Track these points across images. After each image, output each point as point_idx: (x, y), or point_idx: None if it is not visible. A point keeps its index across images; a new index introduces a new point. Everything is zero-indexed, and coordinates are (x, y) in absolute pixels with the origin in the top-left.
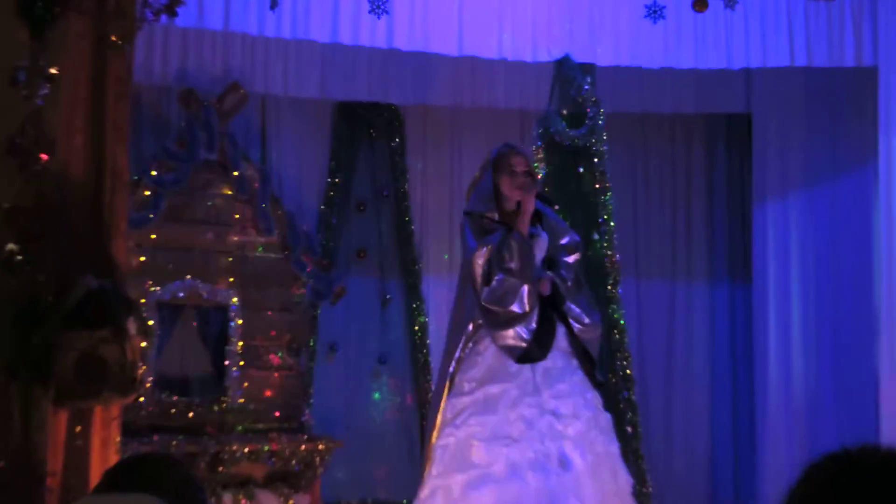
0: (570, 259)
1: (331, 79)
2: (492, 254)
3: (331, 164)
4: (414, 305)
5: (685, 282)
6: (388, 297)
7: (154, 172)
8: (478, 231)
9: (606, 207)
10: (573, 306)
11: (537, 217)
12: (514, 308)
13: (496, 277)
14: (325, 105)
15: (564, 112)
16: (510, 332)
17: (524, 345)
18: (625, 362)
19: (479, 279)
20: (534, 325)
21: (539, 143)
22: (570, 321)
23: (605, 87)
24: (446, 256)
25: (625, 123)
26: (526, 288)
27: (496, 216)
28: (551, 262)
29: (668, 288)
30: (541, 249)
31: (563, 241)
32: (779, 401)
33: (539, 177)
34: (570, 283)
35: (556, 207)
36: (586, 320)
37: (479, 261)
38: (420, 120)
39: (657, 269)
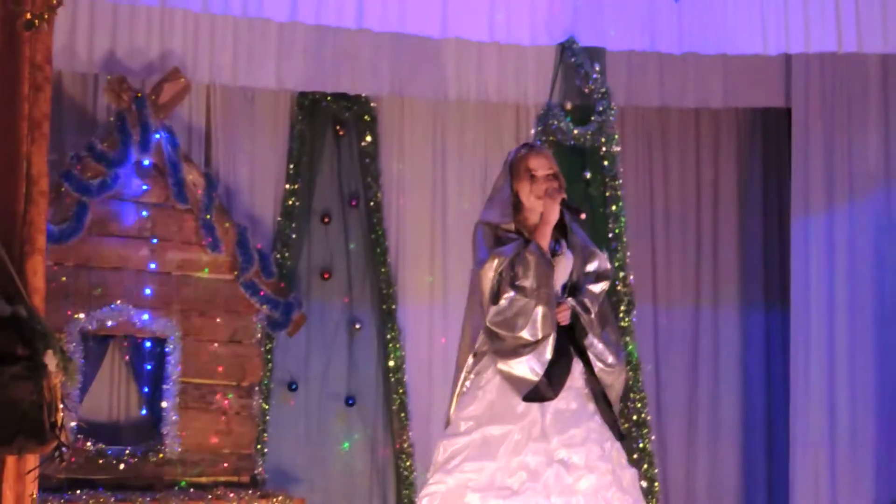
0: (597, 288)
1: (290, 65)
2: (503, 267)
3: (289, 168)
4: (388, 336)
5: (711, 308)
6: (357, 326)
7: (77, 177)
8: (491, 241)
9: (618, 220)
10: (596, 342)
11: (562, 232)
12: (525, 334)
13: (506, 295)
14: (282, 97)
15: (569, 106)
16: (518, 363)
17: (534, 378)
18: (639, 404)
19: (486, 295)
20: (547, 356)
21: (538, 142)
22: (591, 358)
23: (617, 76)
24: (431, 280)
25: (641, 119)
26: (540, 310)
27: (512, 227)
28: (574, 287)
29: (692, 315)
30: (563, 270)
31: (591, 266)
32: (820, 447)
33: (564, 184)
34: (593, 315)
35: (583, 216)
36: (610, 360)
37: (489, 274)
38: (396, 115)
39: (678, 294)
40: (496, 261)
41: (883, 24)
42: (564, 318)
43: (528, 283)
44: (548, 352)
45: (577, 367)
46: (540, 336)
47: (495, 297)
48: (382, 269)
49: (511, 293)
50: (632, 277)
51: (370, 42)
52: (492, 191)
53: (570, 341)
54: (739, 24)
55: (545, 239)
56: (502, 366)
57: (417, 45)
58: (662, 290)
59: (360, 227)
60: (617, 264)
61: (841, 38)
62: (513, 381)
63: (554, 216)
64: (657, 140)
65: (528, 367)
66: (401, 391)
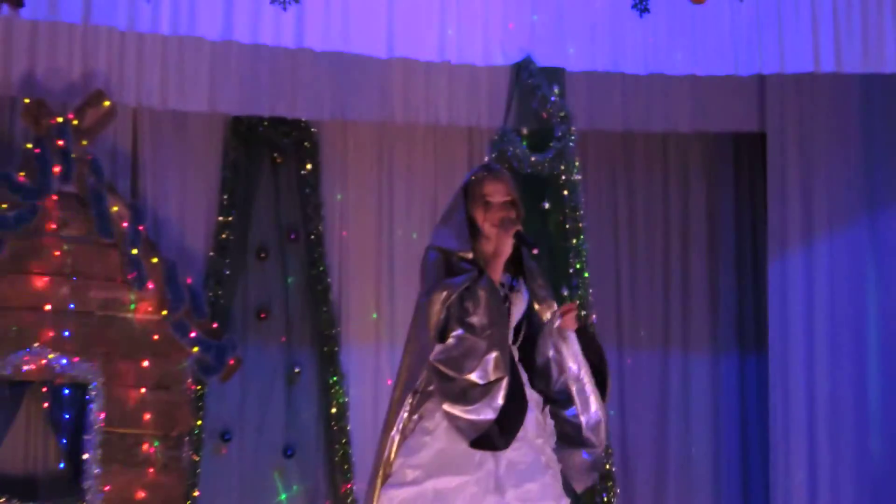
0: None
1: (223, 87)
2: (451, 301)
3: (223, 199)
4: (331, 381)
5: (681, 352)
6: (296, 370)
7: None
8: (442, 270)
9: (580, 254)
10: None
11: (519, 268)
12: (475, 376)
13: (454, 333)
14: (215, 121)
15: (525, 131)
16: (467, 407)
17: (484, 424)
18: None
19: (431, 331)
20: (499, 401)
21: (498, 165)
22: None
23: (577, 99)
24: (375, 316)
25: (604, 145)
26: (493, 352)
27: (470, 255)
28: (529, 337)
29: (660, 360)
30: (517, 310)
31: (547, 316)
32: (800, 497)
33: (522, 213)
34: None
35: (535, 251)
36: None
37: (436, 307)
38: (339, 140)
39: (645, 336)
40: (444, 293)
41: (863, 41)
42: (571, 321)
43: (478, 320)
44: (500, 396)
45: (531, 414)
46: (491, 379)
47: (442, 334)
48: (324, 308)
49: (459, 331)
50: (594, 317)
51: (310, 62)
52: (446, 211)
53: (521, 387)
54: (709, 43)
55: (497, 273)
56: (449, 408)
57: (361, 65)
58: (628, 331)
59: (300, 263)
60: (578, 302)
61: (818, 58)
62: (461, 426)
63: (507, 249)
64: (621, 168)
65: (477, 413)
66: (343, 441)
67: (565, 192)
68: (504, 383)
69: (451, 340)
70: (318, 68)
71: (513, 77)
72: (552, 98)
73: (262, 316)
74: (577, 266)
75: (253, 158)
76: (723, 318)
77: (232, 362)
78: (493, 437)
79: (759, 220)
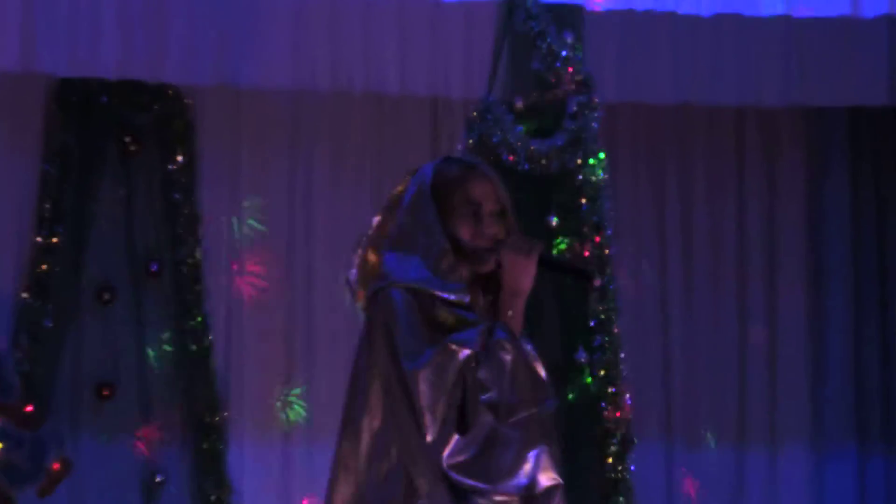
0: None
1: (45, 37)
2: (471, 367)
3: (42, 209)
4: (213, 497)
5: (765, 445)
6: (157, 478)
7: None
8: (416, 324)
9: (606, 299)
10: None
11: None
12: (512, 487)
13: (483, 421)
14: (32, 88)
15: (520, 104)
16: None
17: None
18: None
19: (438, 419)
20: None
21: (474, 156)
22: None
23: (604, 53)
24: (286, 396)
25: (644, 127)
26: (536, 451)
27: (467, 299)
28: None
29: (732, 457)
30: None
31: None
32: None
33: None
34: None
35: (597, 282)
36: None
37: (445, 378)
38: (229, 119)
39: (708, 419)
40: (461, 355)
41: None
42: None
43: (501, 397)
44: None
45: None
46: (541, 489)
47: (461, 423)
48: (203, 381)
49: (487, 419)
50: (628, 396)
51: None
52: (401, 228)
53: None
54: None
55: (518, 321)
56: None
57: (263, 4)
58: (681, 414)
59: (166, 310)
60: (605, 369)
61: None
62: None
63: (528, 283)
64: (672, 161)
65: None
66: None
67: (583, 201)
68: (560, 494)
69: (475, 430)
70: (195, 8)
71: (501, 18)
72: (563, 52)
73: (105, 393)
74: (602, 317)
75: (91, 146)
76: (830, 391)
77: (57, 466)
78: None
79: (890, 238)
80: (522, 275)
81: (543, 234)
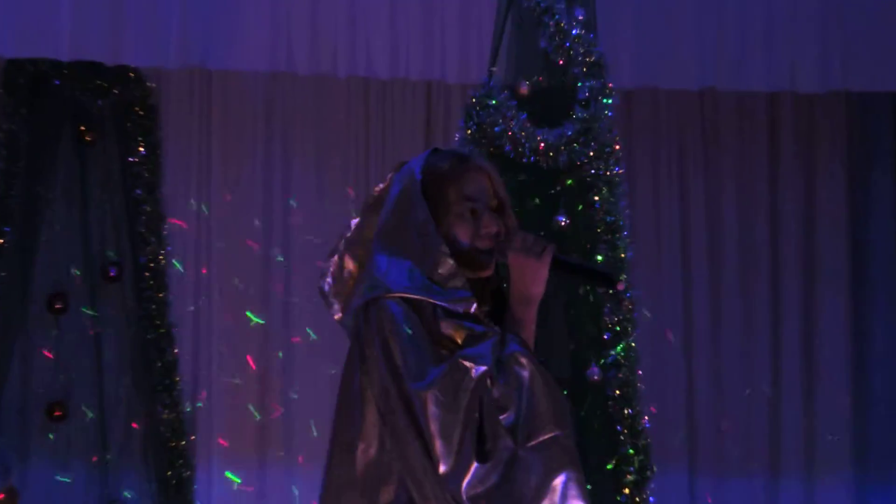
0: None
1: None
2: (482, 389)
3: None
4: None
5: (800, 474)
6: None
7: None
8: (418, 338)
9: (619, 306)
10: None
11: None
12: None
13: (504, 446)
14: None
15: (524, 89)
16: None
17: None
18: None
19: (438, 444)
20: None
21: (471, 148)
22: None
23: (619, 32)
24: (259, 417)
25: (666, 114)
26: (562, 477)
27: (473, 307)
28: None
29: (763, 487)
30: None
31: None
32: None
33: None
34: None
35: (620, 286)
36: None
37: (461, 398)
38: (195, 105)
39: (739, 448)
40: (478, 373)
41: None
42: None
43: (521, 417)
44: None
45: None
46: None
47: (479, 449)
48: (168, 401)
49: (506, 443)
50: (646, 419)
51: None
52: (389, 228)
53: None
54: None
55: (530, 330)
56: None
57: None
58: (706, 438)
59: (125, 320)
60: (620, 390)
61: None
62: None
63: (540, 288)
64: (699, 154)
65: None
66: None
67: (597, 199)
68: None
69: (497, 456)
70: None
71: None
72: (574, 31)
73: (58, 414)
74: (617, 329)
75: (42, 134)
76: (875, 414)
77: (1, 497)
78: None
79: None
80: (534, 280)
81: (551, 235)
